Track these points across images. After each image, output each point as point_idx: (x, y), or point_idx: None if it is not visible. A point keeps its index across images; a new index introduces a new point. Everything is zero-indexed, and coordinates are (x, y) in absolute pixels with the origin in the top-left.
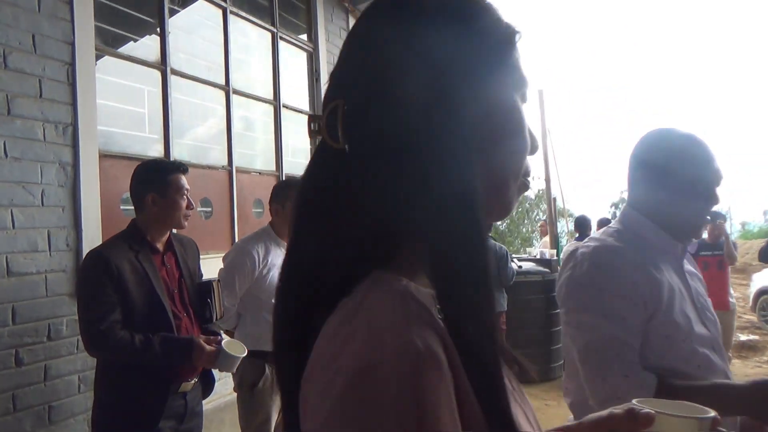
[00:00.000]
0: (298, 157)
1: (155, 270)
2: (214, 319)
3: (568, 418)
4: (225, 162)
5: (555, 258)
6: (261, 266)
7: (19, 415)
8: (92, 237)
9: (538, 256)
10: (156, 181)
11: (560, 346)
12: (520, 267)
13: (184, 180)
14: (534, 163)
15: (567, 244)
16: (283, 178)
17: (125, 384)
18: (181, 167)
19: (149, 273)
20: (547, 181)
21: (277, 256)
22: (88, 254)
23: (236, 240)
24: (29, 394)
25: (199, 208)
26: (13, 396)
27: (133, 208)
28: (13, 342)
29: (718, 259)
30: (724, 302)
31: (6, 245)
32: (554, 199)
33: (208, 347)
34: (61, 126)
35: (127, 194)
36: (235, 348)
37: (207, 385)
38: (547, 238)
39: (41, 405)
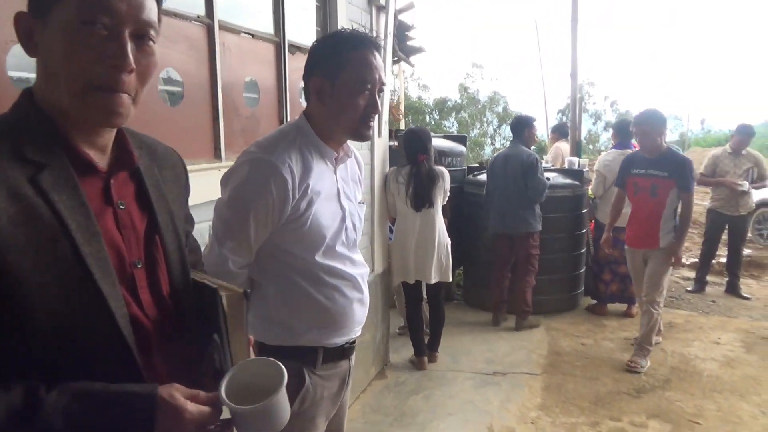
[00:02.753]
0: (302, 20)
1: (88, 213)
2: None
3: None
4: (202, 9)
5: (586, 169)
6: (297, 195)
7: None
8: None
9: (566, 166)
10: None
11: (584, 271)
12: (548, 179)
13: None
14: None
15: (605, 153)
16: (285, 44)
17: None
18: None
19: (69, 221)
20: (573, 76)
21: (321, 177)
22: None
23: (221, 145)
24: None
25: (160, 87)
26: None
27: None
28: None
29: None
30: None
31: None
32: (581, 98)
33: (191, 405)
34: None
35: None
36: (262, 373)
37: None
38: (561, 144)
39: None
